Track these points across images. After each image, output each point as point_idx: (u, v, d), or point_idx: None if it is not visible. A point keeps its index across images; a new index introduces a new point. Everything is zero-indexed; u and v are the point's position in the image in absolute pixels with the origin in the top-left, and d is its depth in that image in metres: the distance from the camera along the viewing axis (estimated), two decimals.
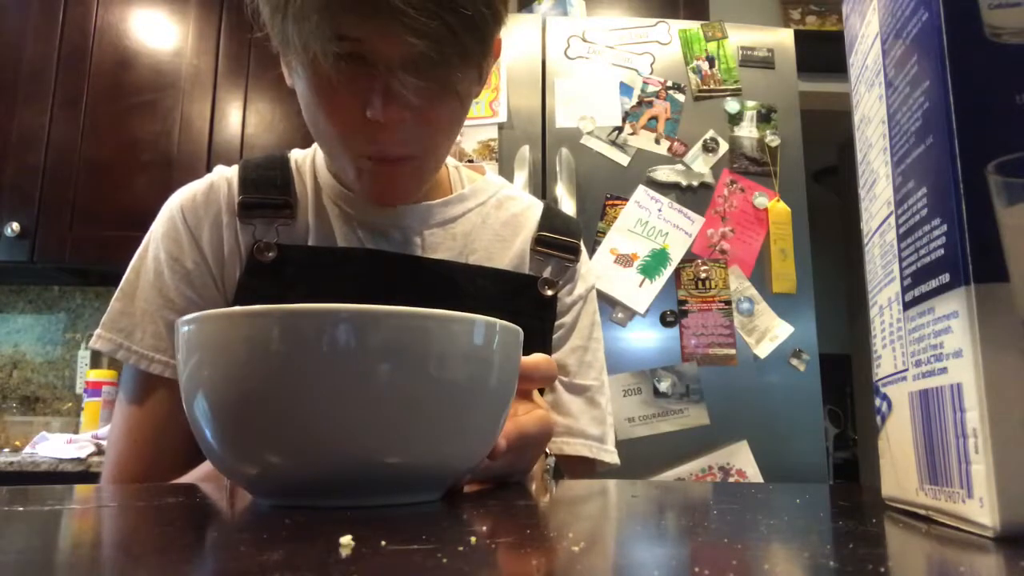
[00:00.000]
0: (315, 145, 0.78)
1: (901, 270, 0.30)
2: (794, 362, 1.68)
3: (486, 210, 0.79)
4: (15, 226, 2.02)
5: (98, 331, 0.69)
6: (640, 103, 1.79)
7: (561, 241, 0.79)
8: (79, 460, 1.74)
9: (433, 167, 0.69)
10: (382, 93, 0.58)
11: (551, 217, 0.81)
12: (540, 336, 0.76)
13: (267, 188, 0.72)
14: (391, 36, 0.56)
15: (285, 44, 0.60)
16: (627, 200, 1.73)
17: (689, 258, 1.71)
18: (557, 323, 0.78)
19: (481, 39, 0.60)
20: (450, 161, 0.81)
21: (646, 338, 1.67)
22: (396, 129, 0.61)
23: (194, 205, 0.72)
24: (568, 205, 1.66)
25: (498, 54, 0.71)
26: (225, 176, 0.74)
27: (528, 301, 0.76)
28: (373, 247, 0.72)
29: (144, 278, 0.70)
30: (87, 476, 1.71)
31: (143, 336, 0.68)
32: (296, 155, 0.78)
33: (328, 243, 0.71)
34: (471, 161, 1.71)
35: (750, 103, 1.82)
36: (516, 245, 0.77)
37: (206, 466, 0.60)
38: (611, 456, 0.77)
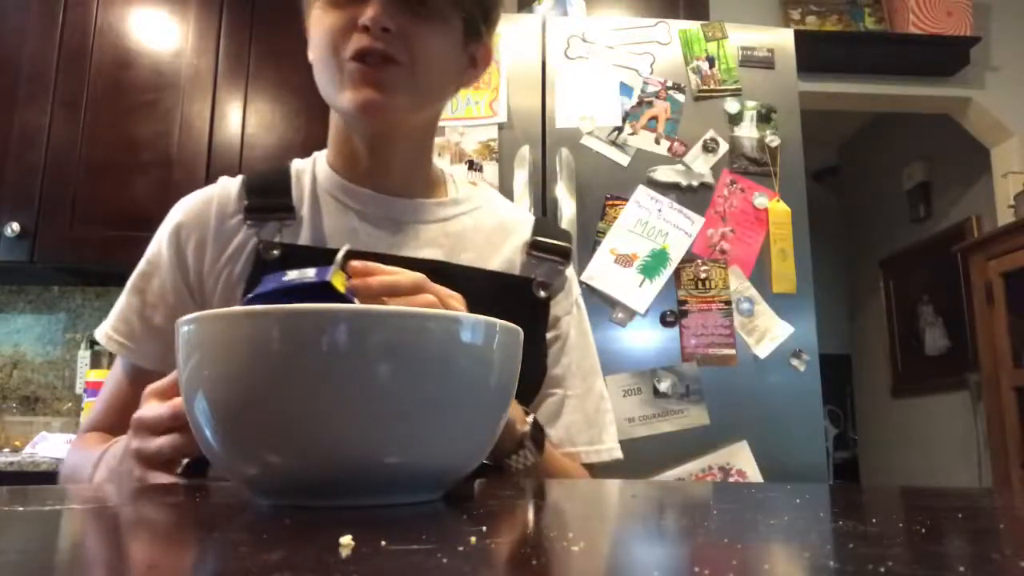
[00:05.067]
0: (315, 153, 0.83)
1: None
2: (794, 362, 1.68)
3: (478, 215, 0.82)
4: (15, 226, 2.02)
5: None
6: (640, 103, 1.79)
7: (554, 245, 0.81)
8: None
9: (416, 88, 0.72)
10: (373, 7, 0.67)
11: (543, 225, 0.85)
12: (532, 337, 0.78)
13: (270, 193, 0.77)
14: None
15: None
16: (627, 200, 1.73)
17: (689, 258, 1.71)
18: (549, 335, 0.80)
19: None
20: (447, 169, 0.86)
21: (646, 338, 1.67)
22: (382, 35, 0.68)
23: (196, 213, 0.77)
24: (568, 205, 1.65)
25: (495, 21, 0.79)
26: (229, 184, 0.79)
27: (521, 302, 0.78)
28: (366, 236, 0.76)
29: (138, 274, 0.77)
30: None
31: (114, 320, 0.76)
32: (297, 164, 0.82)
33: (320, 234, 0.76)
34: (471, 162, 1.71)
35: (750, 103, 1.82)
36: (506, 250, 0.80)
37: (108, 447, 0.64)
38: (603, 455, 0.79)
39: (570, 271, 0.84)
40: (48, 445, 1.83)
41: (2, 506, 0.35)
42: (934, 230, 3.54)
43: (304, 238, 0.75)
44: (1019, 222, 2.49)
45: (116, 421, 0.74)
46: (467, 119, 1.73)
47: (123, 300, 0.77)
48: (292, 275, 0.52)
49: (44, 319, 2.37)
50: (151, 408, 0.54)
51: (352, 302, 0.50)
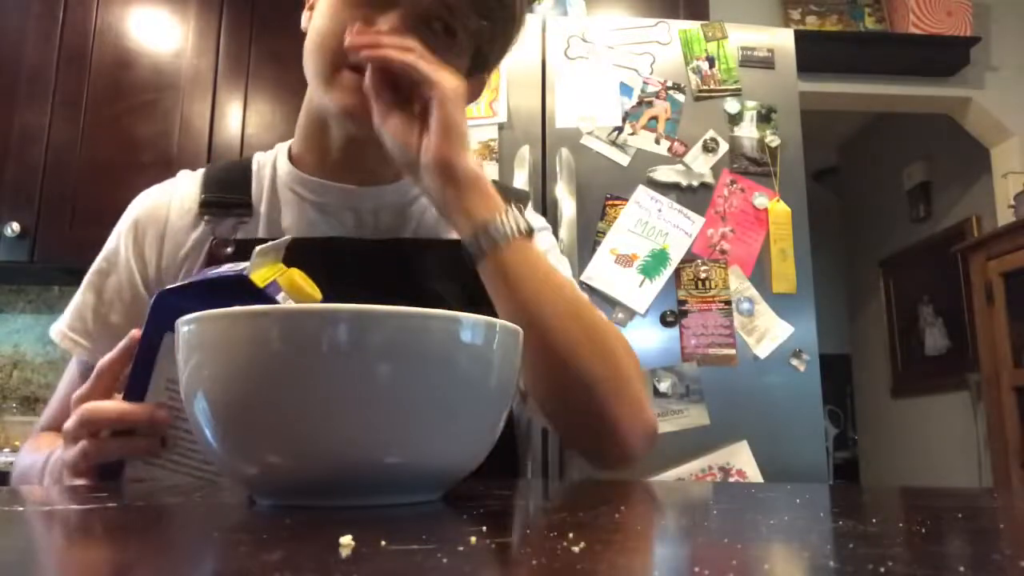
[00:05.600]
0: (278, 145, 0.81)
1: None
2: (794, 362, 1.68)
3: None
4: (15, 226, 2.02)
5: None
6: (640, 103, 1.79)
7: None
8: None
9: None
10: (396, 20, 0.65)
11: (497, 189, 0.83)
12: None
13: (227, 188, 0.76)
14: None
15: None
16: (627, 200, 1.73)
17: (689, 258, 1.71)
18: None
19: (494, 33, 0.70)
20: None
21: (646, 338, 1.67)
22: None
23: (153, 208, 0.76)
24: (568, 205, 1.65)
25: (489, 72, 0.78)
26: (188, 179, 0.78)
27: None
28: (324, 228, 0.74)
29: (95, 271, 0.77)
30: None
31: (69, 317, 0.76)
32: (259, 157, 0.80)
33: (276, 229, 0.74)
34: None
35: (750, 103, 1.82)
36: None
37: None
38: None
39: (532, 217, 0.81)
40: None
41: (2, 506, 0.35)
42: (934, 230, 3.54)
43: (261, 233, 0.74)
44: (1019, 222, 2.50)
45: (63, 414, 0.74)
46: (467, 119, 1.73)
47: (79, 297, 0.76)
48: (224, 268, 0.52)
49: (44, 319, 2.37)
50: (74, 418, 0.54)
51: (272, 299, 0.50)
